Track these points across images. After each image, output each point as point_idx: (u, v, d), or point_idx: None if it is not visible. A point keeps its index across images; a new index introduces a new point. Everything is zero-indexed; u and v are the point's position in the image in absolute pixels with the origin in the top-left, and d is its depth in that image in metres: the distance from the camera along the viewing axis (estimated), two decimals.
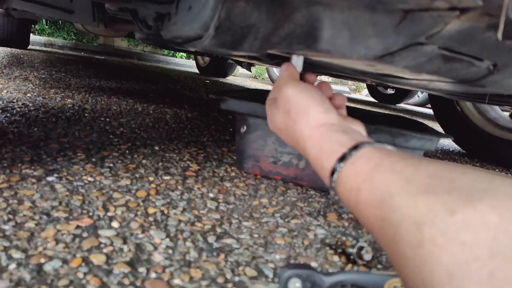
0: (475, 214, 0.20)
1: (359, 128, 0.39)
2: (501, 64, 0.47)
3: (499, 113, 1.64)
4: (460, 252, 0.20)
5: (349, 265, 0.50)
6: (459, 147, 1.80)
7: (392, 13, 0.36)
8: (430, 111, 3.80)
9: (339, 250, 0.54)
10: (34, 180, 0.59)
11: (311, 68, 1.02)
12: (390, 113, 1.01)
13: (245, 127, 0.78)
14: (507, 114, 1.67)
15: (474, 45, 0.41)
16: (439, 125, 1.76)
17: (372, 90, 4.92)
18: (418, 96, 5.20)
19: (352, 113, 1.02)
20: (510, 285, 0.18)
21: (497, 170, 1.43)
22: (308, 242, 0.55)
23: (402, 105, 4.87)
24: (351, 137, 0.35)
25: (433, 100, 1.82)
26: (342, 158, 0.33)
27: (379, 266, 0.51)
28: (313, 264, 0.49)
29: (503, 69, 0.48)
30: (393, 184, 0.26)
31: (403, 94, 4.35)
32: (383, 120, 0.99)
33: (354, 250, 0.51)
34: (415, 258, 0.22)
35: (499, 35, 0.30)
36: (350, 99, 4.22)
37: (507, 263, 0.18)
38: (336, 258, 0.51)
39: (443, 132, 0.75)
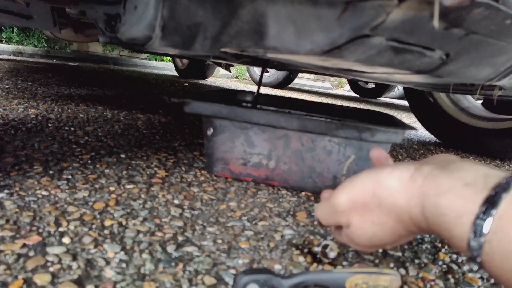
0: None
1: (460, 160, 0.29)
2: (453, 54, 0.46)
3: (472, 102, 1.67)
4: None
5: (314, 265, 0.49)
6: (434, 138, 1.82)
7: (334, 6, 0.35)
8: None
9: (305, 250, 0.52)
10: None
11: (274, 66, 1.01)
12: (361, 107, 1.01)
13: (211, 130, 0.76)
14: (479, 103, 1.70)
15: (422, 35, 0.40)
16: (415, 117, 1.78)
17: (353, 86, 4.97)
18: (398, 89, 5.28)
19: (323, 108, 1.01)
20: None
21: (471, 158, 1.46)
22: (274, 244, 0.53)
23: (382, 98, 4.94)
24: (466, 178, 0.26)
25: (407, 92, 1.84)
26: (488, 212, 0.23)
27: (344, 263, 0.50)
28: (277, 266, 0.47)
29: (456, 59, 0.48)
30: None
31: (383, 88, 4.42)
32: (354, 115, 0.99)
33: (319, 249, 0.50)
34: None
35: (435, 23, 0.29)
36: (333, 95, 4.25)
37: None
38: (301, 258, 0.50)
39: (410, 125, 0.75)
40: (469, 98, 1.68)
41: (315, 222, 0.62)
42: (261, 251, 0.51)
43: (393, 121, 0.86)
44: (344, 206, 0.35)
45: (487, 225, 0.23)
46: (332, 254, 0.49)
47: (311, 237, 0.57)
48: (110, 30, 0.98)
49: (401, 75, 0.56)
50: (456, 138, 1.64)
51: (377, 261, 0.52)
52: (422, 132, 2.02)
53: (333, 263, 0.49)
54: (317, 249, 0.51)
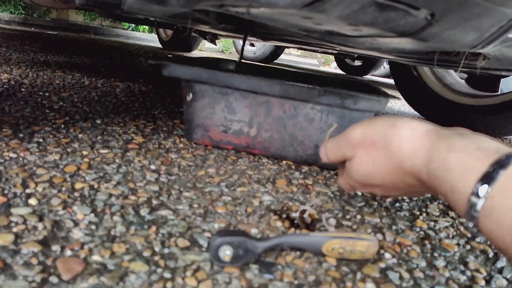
0: None
1: (475, 133, 0.30)
2: (438, 14, 0.44)
3: (455, 78, 1.68)
4: None
5: (292, 230, 0.48)
6: (418, 114, 1.83)
7: None
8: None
9: (284, 216, 0.52)
10: None
11: (258, 35, 0.97)
12: (345, 78, 0.99)
13: (191, 95, 0.74)
14: (463, 80, 1.70)
15: None
16: (400, 94, 1.78)
17: (340, 63, 4.94)
18: (384, 68, 5.27)
19: (307, 78, 0.99)
20: None
21: None
22: (252, 209, 0.52)
23: (369, 76, 4.93)
24: (485, 146, 0.26)
25: (393, 69, 1.83)
26: (487, 178, 0.24)
27: (322, 229, 0.49)
28: (254, 230, 0.47)
29: (441, 19, 0.46)
30: None
31: (370, 65, 4.40)
32: (338, 85, 0.97)
33: (297, 214, 0.49)
34: None
35: None
36: (320, 72, 4.22)
37: None
38: (279, 223, 0.49)
39: (392, 94, 0.74)
40: (453, 74, 1.68)
41: (295, 190, 0.62)
42: (238, 216, 0.50)
43: (376, 91, 0.85)
44: (356, 138, 0.35)
45: (494, 182, 0.24)
46: (332, 221, 0.48)
47: (290, 203, 0.56)
48: None
49: (386, 38, 0.54)
50: (440, 114, 1.65)
51: (354, 226, 0.52)
52: (406, 109, 2.03)
53: (311, 228, 0.48)
54: (295, 215, 0.51)
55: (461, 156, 0.26)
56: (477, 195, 0.24)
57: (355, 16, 0.42)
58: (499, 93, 1.59)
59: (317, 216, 0.50)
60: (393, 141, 0.32)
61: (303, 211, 0.49)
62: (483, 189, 0.24)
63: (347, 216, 0.54)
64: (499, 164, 0.24)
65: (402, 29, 0.48)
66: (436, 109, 1.66)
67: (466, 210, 0.25)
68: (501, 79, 1.66)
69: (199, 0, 0.46)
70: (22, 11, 4.62)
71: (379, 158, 0.33)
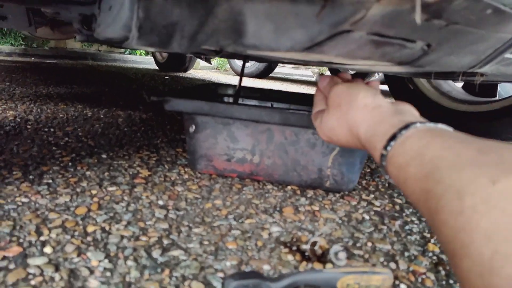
0: None
1: (408, 108, 0.41)
2: (434, 44, 0.46)
3: (452, 86, 1.69)
4: (499, 218, 0.21)
5: (303, 263, 0.49)
6: None
7: (313, 2, 0.34)
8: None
9: (294, 248, 0.52)
10: None
11: (255, 59, 0.99)
12: None
13: (193, 127, 0.75)
14: (460, 86, 1.72)
15: (402, 28, 0.40)
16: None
17: (334, 73, 4.98)
18: (378, 75, 5.32)
19: (306, 99, 1.01)
20: None
21: None
22: (262, 243, 0.53)
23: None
24: (402, 118, 0.36)
25: (388, 78, 1.85)
26: (393, 138, 0.34)
27: (335, 261, 0.50)
28: (266, 267, 0.47)
29: (438, 48, 0.48)
30: (441, 159, 0.28)
31: (363, 74, 4.44)
32: None
33: (307, 246, 0.50)
34: (456, 225, 0.23)
35: (417, 18, 0.28)
36: (314, 83, 4.25)
37: None
38: (290, 257, 0.50)
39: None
40: (450, 82, 1.70)
41: (303, 218, 0.62)
42: (249, 251, 0.50)
43: None
44: (334, 95, 0.46)
45: (397, 139, 0.34)
46: (342, 255, 0.48)
47: (299, 233, 0.57)
48: (87, 28, 0.95)
49: (383, 66, 0.56)
50: (437, 122, 1.66)
51: (366, 256, 0.52)
52: None
53: (323, 260, 0.49)
54: (305, 247, 0.51)
55: (385, 127, 0.37)
56: (386, 149, 0.34)
57: (353, 54, 0.44)
58: (497, 98, 1.60)
59: (327, 246, 0.50)
60: (351, 111, 0.43)
61: (314, 243, 0.49)
62: (390, 144, 0.34)
63: (358, 244, 0.55)
64: (404, 128, 0.34)
65: (399, 59, 0.49)
66: (434, 118, 1.66)
67: (380, 161, 0.35)
68: (499, 84, 1.67)
69: (200, 45, 0.48)
70: (22, 42, 4.69)
71: (341, 119, 0.44)
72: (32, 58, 3.88)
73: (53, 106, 1.35)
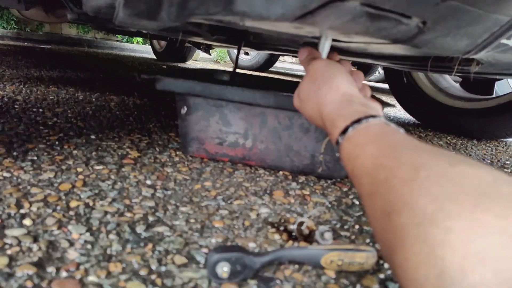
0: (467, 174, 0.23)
1: (376, 106, 0.42)
2: (430, 22, 0.45)
3: (450, 82, 1.68)
4: (452, 188, 0.21)
5: (290, 242, 0.48)
6: (413, 119, 1.84)
7: None
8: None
9: (281, 228, 0.51)
10: None
11: (252, 44, 0.98)
12: None
13: (185, 108, 0.73)
14: (458, 83, 1.71)
15: (398, 1, 0.39)
16: (395, 99, 1.79)
17: None
18: (379, 73, 5.31)
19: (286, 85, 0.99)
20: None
21: (448, 138, 1.48)
22: (249, 222, 0.52)
23: (363, 82, 4.96)
24: (368, 111, 0.38)
25: (387, 74, 1.84)
26: (357, 121, 0.35)
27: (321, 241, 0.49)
28: (252, 245, 0.46)
29: (433, 27, 0.46)
30: (402, 144, 0.29)
31: (364, 71, 4.43)
32: None
33: (294, 226, 0.49)
34: (403, 189, 0.23)
35: None
36: None
37: None
38: (277, 236, 0.49)
39: (387, 102, 0.74)
40: (448, 78, 1.69)
41: (293, 201, 0.61)
42: (236, 230, 0.49)
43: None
44: (313, 67, 0.47)
45: (348, 132, 0.36)
46: (327, 235, 0.47)
47: (288, 215, 0.56)
48: (78, 6, 0.93)
49: (378, 45, 0.54)
50: (435, 118, 1.65)
51: (353, 237, 0.51)
52: (401, 114, 2.04)
53: (309, 240, 0.48)
54: (292, 227, 0.50)
55: (351, 112, 0.38)
56: (347, 129, 0.36)
57: (347, 27, 0.42)
58: (494, 96, 1.60)
59: (315, 227, 0.49)
60: (323, 89, 0.44)
61: (301, 223, 0.48)
62: (353, 126, 0.36)
63: (345, 226, 0.54)
64: (370, 117, 0.35)
65: (394, 36, 0.48)
66: (431, 114, 1.66)
67: (336, 138, 0.38)
68: (496, 82, 1.67)
69: (190, 14, 0.46)
70: (15, 26, 4.62)
71: (311, 94, 0.46)
72: (26, 43, 3.82)
73: (44, 88, 1.33)
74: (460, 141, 1.44)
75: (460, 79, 1.79)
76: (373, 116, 0.36)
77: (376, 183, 0.27)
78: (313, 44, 0.57)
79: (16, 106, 1.00)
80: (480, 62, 0.73)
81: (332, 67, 0.46)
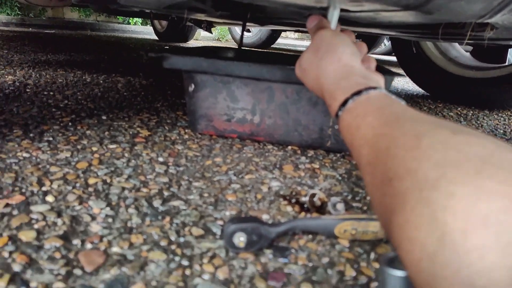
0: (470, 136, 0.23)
1: (378, 79, 0.42)
2: None
3: (460, 52, 1.64)
4: (454, 155, 0.21)
5: (302, 214, 0.49)
6: (422, 91, 1.82)
7: None
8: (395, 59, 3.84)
9: (293, 200, 0.53)
10: None
11: (255, 20, 0.97)
12: None
13: (193, 86, 0.74)
14: (468, 52, 1.67)
15: None
16: (403, 71, 1.76)
17: None
18: (385, 45, 5.21)
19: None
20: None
21: (459, 109, 1.46)
22: (261, 195, 0.54)
23: (369, 55, 4.87)
24: (369, 83, 0.37)
25: (395, 45, 1.80)
26: (357, 93, 0.35)
27: (333, 212, 0.50)
28: (265, 216, 0.48)
29: None
30: (403, 115, 0.29)
31: (370, 43, 4.34)
32: None
33: (306, 198, 0.50)
34: (406, 156, 0.24)
35: None
36: None
37: None
38: (289, 208, 0.50)
39: (396, 72, 0.73)
40: (458, 47, 1.65)
41: (303, 174, 0.63)
42: (248, 203, 0.51)
43: (380, 69, 0.84)
44: (320, 36, 0.47)
45: (347, 104, 0.36)
46: (340, 206, 0.48)
47: (299, 188, 0.57)
48: None
49: (388, 13, 0.54)
50: (444, 89, 1.63)
51: (365, 207, 0.53)
52: (409, 86, 2.01)
53: (321, 212, 0.49)
54: (304, 199, 0.52)
55: (351, 83, 0.38)
56: (347, 100, 0.36)
57: None
58: (506, 64, 1.56)
59: (326, 199, 0.51)
60: (325, 59, 0.44)
61: (313, 195, 0.50)
62: (353, 98, 0.36)
63: (357, 198, 0.55)
64: (370, 88, 0.35)
65: (406, 2, 0.47)
66: (441, 85, 1.64)
67: (336, 110, 0.37)
68: (509, 49, 1.62)
69: None
70: (19, 12, 4.59)
71: (313, 63, 0.45)
72: (30, 28, 3.80)
73: (52, 72, 1.34)
74: (471, 112, 1.42)
75: (471, 48, 1.75)
76: (374, 88, 0.35)
77: (377, 152, 0.27)
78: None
79: (27, 90, 1.01)
80: (495, 27, 0.71)
81: (337, 38, 0.46)
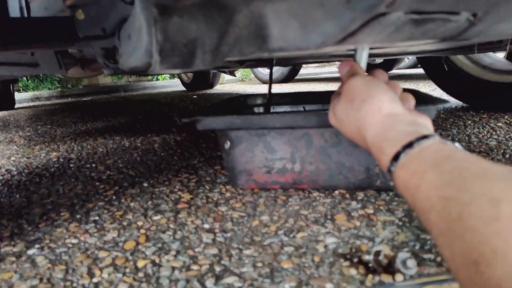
0: None
1: (425, 121, 0.40)
2: (481, 13, 0.41)
3: (494, 57, 1.56)
4: None
5: (369, 276, 0.44)
6: (461, 102, 1.72)
7: None
8: (422, 71, 3.73)
9: (355, 260, 0.48)
10: (13, 259, 0.54)
11: (281, 63, 0.96)
12: None
13: (228, 143, 0.73)
14: (502, 56, 1.58)
15: (444, 0, 0.35)
16: (433, 83, 1.69)
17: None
18: (408, 59, 5.10)
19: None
20: None
21: (506, 117, 1.36)
22: (319, 257, 0.49)
23: (394, 71, 4.78)
24: (418, 129, 0.36)
25: (421, 60, 1.74)
26: (409, 145, 0.33)
27: (404, 270, 0.45)
28: (329, 285, 0.43)
29: (485, 17, 0.42)
30: (466, 170, 0.27)
31: (392, 61, 4.27)
32: None
33: (371, 257, 0.45)
34: (487, 231, 0.22)
35: None
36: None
37: None
38: (353, 271, 0.45)
39: (440, 98, 0.69)
40: (491, 54, 1.57)
41: (358, 224, 0.58)
42: (307, 269, 0.47)
43: (420, 97, 0.79)
44: (353, 85, 0.44)
45: (399, 159, 0.33)
46: (411, 263, 0.43)
47: (357, 242, 0.52)
48: (112, 61, 0.96)
49: (425, 45, 0.50)
50: (483, 98, 1.53)
51: (439, 259, 0.46)
52: (445, 97, 1.92)
53: (390, 271, 0.44)
54: (368, 257, 0.47)
55: (399, 134, 0.36)
56: (399, 155, 0.34)
57: (390, 37, 0.39)
58: None
59: (392, 254, 0.45)
60: (363, 110, 0.41)
61: (377, 253, 0.45)
62: (404, 151, 0.33)
63: (426, 247, 0.49)
64: (422, 138, 0.33)
65: (442, 35, 0.44)
66: (479, 94, 1.54)
67: (388, 166, 0.35)
68: None
69: (223, 57, 0.45)
70: (58, 85, 5.00)
71: (351, 115, 0.43)
72: (69, 98, 4.11)
73: (93, 141, 1.40)
74: None
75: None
76: (426, 137, 0.33)
77: (448, 222, 0.25)
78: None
79: (71, 165, 1.05)
80: None
81: (371, 85, 0.43)
